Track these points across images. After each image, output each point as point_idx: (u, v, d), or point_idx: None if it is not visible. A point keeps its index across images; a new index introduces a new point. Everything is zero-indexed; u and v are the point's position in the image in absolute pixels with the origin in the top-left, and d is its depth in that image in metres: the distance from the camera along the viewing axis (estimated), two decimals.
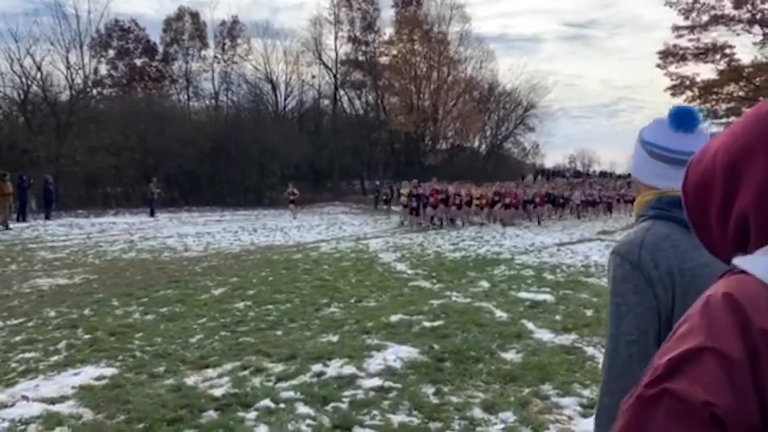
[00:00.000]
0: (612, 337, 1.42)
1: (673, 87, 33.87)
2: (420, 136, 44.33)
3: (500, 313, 6.87)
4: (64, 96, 31.63)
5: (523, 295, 8.01)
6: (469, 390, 4.37)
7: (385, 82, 44.65)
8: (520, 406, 4.05)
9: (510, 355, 5.24)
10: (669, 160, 1.49)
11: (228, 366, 4.97)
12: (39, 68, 30.03)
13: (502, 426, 3.76)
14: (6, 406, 4.11)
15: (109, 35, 37.78)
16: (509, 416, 3.89)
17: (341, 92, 45.23)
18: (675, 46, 33.15)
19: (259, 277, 9.67)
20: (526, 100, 47.96)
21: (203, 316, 6.87)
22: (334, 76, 44.22)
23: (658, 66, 33.94)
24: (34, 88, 30.21)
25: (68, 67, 31.63)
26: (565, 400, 4.19)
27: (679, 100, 34.40)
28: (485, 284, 8.89)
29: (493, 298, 7.77)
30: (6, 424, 3.81)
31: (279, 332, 6.13)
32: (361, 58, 44.89)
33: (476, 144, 50.18)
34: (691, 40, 32.67)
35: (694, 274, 1.36)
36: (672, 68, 33.64)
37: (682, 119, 1.51)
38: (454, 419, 3.84)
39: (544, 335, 5.93)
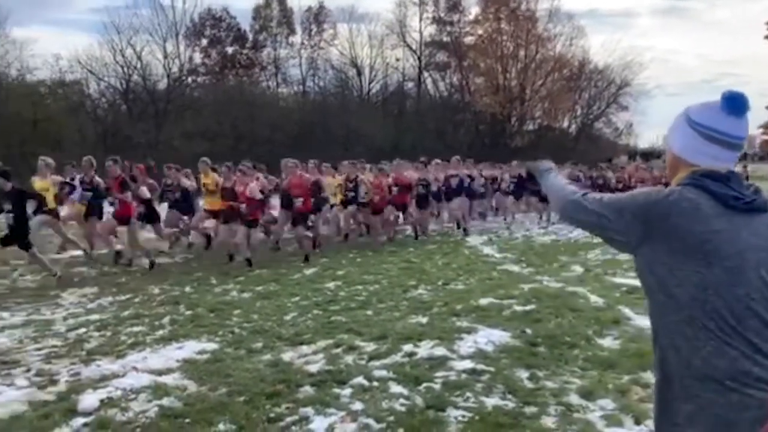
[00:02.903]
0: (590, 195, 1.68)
1: None
2: (506, 117, 43.37)
3: (595, 299, 6.63)
4: (162, 84, 33.28)
5: (619, 280, 7.69)
6: (565, 375, 4.26)
7: (470, 63, 43.89)
8: (619, 394, 3.90)
9: (607, 342, 5.06)
10: (723, 143, 1.57)
11: (322, 343, 5.09)
12: (139, 58, 31.75)
13: (601, 413, 3.63)
14: (118, 376, 4.39)
15: (203, 24, 39.15)
16: (608, 403, 3.76)
17: (425, 74, 44.92)
18: None
19: (347, 258, 9.82)
20: (619, 77, 45.67)
21: (296, 294, 7.06)
22: (419, 58, 43.96)
23: (767, 37, 31.54)
24: (135, 77, 31.99)
25: (165, 57, 33.24)
26: None
27: None
28: (578, 269, 8.62)
29: (588, 283, 7.51)
30: (119, 393, 4.07)
31: (369, 312, 6.21)
32: (445, 39, 44.30)
33: (565, 124, 48.49)
34: None
35: (704, 238, 1.47)
36: None
37: (736, 104, 1.56)
38: (550, 404, 3.75)
39: (644, 322, 5.66)
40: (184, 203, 11.22)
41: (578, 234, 12.89)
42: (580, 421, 3.54)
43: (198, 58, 38.61)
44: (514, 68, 43.72)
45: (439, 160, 13.94)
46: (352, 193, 11.59)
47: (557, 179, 1.94)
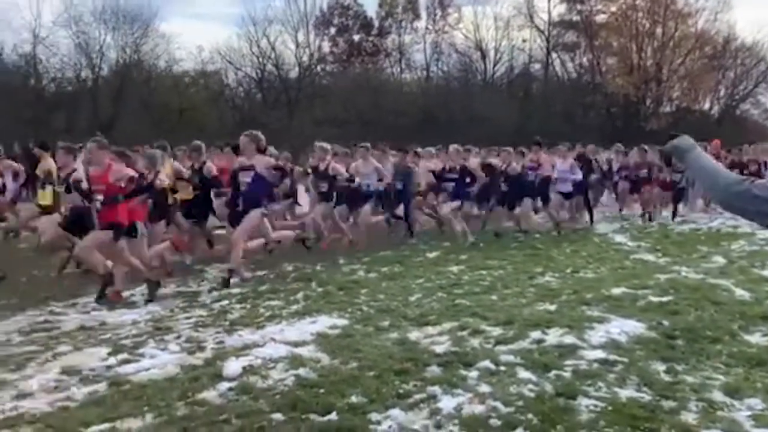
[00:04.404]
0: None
1: None
2: (641, 99, 40.88)
3: (741, 292, 6.16)
4: (293, 73, 34.73)
5: None
6: (707, 371, 4.00)
7: (602, 42, 41.70)
8: None
9: (755, 338, 4.69)
10: None
11: (447, 325, 5.13)
12: (273, 48, 33.33)
13: (748, 413, 3.39)
14: (258, 346, 4.69)
15: (331, 13, 40.23)
16: (757, 403, 3.49)
17: (553, 55, 43.32)
18: None
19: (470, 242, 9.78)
20: None
21: (420, 276, 7.17)
22: (546, 39, 42.46)
23: None
24: (269, 66, 33.61)
25: (297, 46, 34.62)
26: None
27: None
28: (720, 260, 8.01)
29: (731, 276, 6.97)
30: (259, 361, 4.35)
31: (494, 297, 6.17)
32: (575, 18, 42.37)
33: (707, 106, 44.80)
34: None
35: None
36: None
37: None
38: (690, 400, 3.55)
39: None
40: None
41: (720, 223, 11.96)
42: (725, 419, 3.32)
43: (326, 46, 39.80)
44: (650, 47, 41.01)
45: (364, 147, 10.27)
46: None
47: (709, 161, 1.79)
